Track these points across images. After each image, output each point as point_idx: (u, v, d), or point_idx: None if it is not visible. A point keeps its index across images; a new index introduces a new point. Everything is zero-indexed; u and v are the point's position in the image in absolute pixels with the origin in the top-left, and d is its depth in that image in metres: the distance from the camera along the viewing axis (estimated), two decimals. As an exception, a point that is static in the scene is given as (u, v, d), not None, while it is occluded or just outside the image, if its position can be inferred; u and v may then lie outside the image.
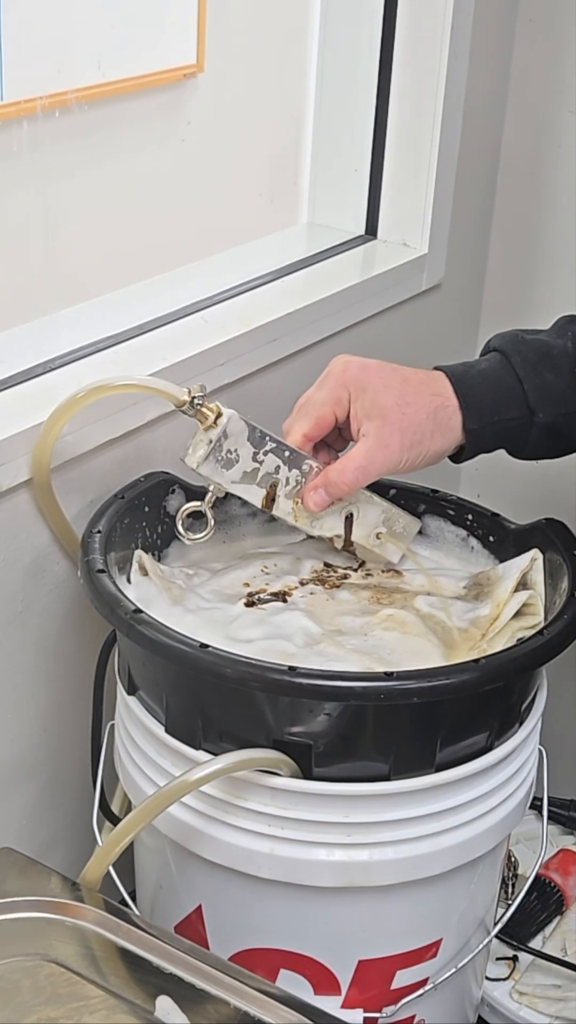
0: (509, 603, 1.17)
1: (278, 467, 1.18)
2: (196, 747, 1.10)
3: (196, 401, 1.14)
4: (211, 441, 1.15)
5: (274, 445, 1.17)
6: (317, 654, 1.11)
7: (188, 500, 1.27)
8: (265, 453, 1.17)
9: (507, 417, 1.20)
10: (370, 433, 1.16)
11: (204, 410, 1.14)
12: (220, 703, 1.08)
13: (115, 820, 1.27)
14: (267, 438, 1.17)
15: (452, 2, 1.49)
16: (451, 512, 1.31)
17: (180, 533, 1.21)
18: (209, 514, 1.20)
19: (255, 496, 1.19)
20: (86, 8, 1.23)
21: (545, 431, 1.22)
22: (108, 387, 1.16)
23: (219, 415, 1.15)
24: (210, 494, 1.19)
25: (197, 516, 1.21)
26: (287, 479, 1.19)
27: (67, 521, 1.21)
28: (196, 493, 1.28)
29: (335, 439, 1.22)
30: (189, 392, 1.14)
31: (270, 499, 1.19)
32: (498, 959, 1.49)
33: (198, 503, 1.20)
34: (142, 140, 1.37)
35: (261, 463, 1.17)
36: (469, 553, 1.30)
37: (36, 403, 1.19)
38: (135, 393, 1.24)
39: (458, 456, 1.23)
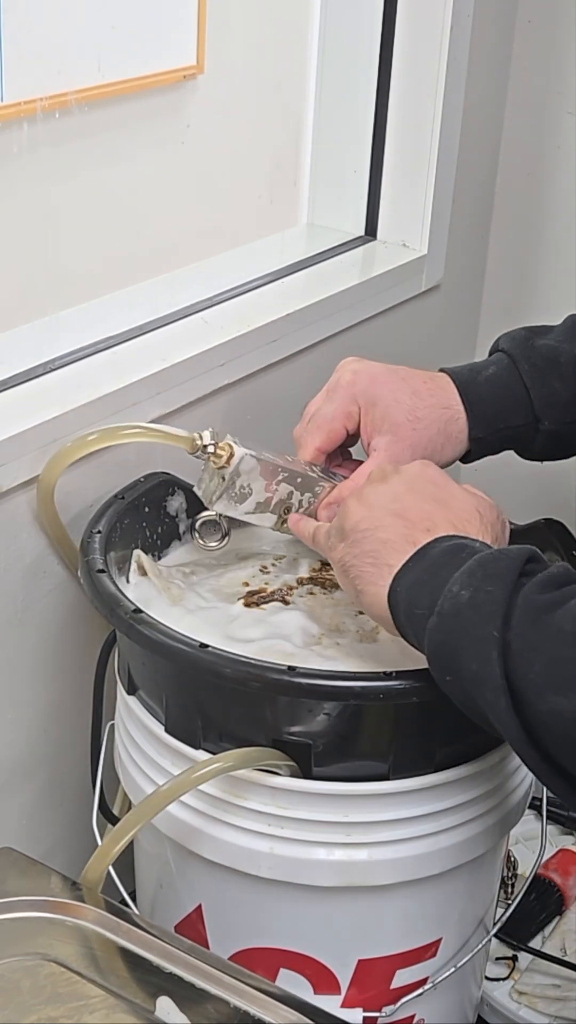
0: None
1: (291, 493, 1.18)
2: (196, 747, 1.10)
3: (209, 448, 1.14)
4: (224, 479, 1.15)
5: (286, 474, 1.17)
6: (317, 654, 1.11)
7: (188, 501, 1.27)
8: (278, 484, 1.17)
9: (513, 424, 1.21)
10: (381, 448, 1.17)
11: (218, 451, 1.14)
12: (220, 703, 1.09)
13: (115, 821, 1.27)
14: (279, 469, 1.17)
15: (452, 3, 1.49)
16: (450, 512, 1.31)
17: (200, 543, 1.22)
18: (224, 523, 1.21)
19: (267, 521, 1.19)
20: (86, 9, 1.23)
21: (550, 437, 1.22)
22: (118, 434, 1.17)
23: (231, 455, 1.14)
24: None
25: (209, 521, 1.22)
26: (300, 502, 1.19)
27: (73, 545, 1.21)
28: (196, 495, 1.28)
29: (346, 440, 1.23)
30: (201, 438, 1.14)
31: (282, 522, 1.19)
32: (498, 959, 1.49)
33: (212, 513, 1.20)
34: (142, 141, 1.37)
35: (274, 492, 1.18)
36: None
37: (36, 404, 1.19)
38: (136, 394, 1.25)
39: (464, 458, 1.23)
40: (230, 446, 1.15)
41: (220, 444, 1.14)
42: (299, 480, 1.18)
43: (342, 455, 1.25)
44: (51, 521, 1.20)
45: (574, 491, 1.66)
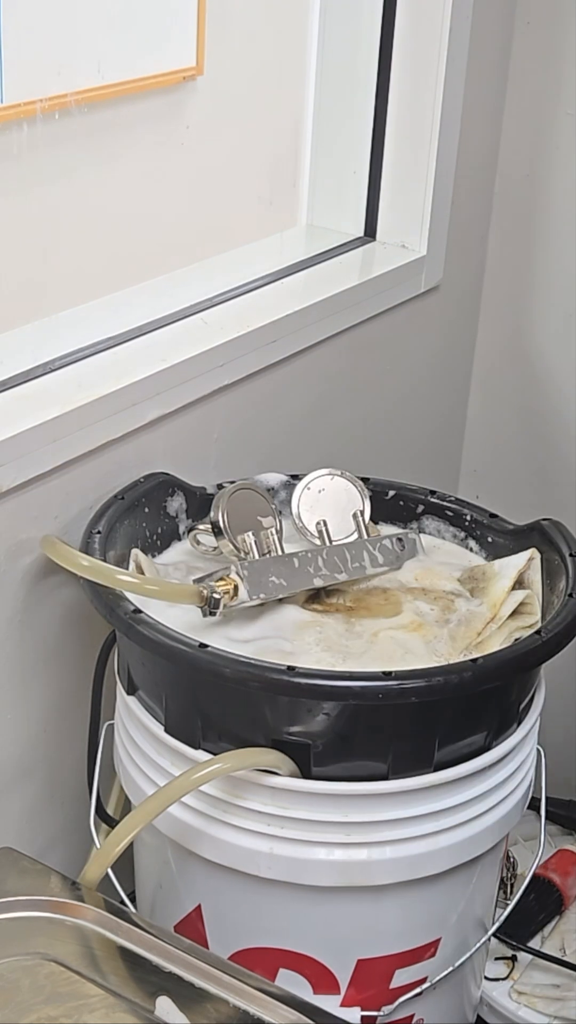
0: (506, 602, 1.17)
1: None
2: (195, 747, 1.10)
3: (214, 598, 1.11)
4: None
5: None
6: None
7: (188, 501, 1.27)
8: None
9: None
10: None
11: (225, 591, 1.12)
12: (219, 703, 1.09)
13: (111, 822, 1.27)
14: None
15: (450, 5, 1.49)
16: (450, 513, 1.31)
17: (202, 549, 1.23)
18: (224, 527, 1.21)
19: None
20: (86, 10, 1.23)
21: None
22: (138, 588, 1.12)
23: (236, 587, 1.12)
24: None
25: (208, 528, 1.22)
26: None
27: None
28: (196, 495, 1.28)
29: None
30: (205, 592, 1.11)
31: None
32: (497, 959, 1.49)
33: (206, 526, 1.21)
34: (142, 142, 1.37)
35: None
36: (468, 554, 1.30)
37: (36, 404, 1.20)
38: (136, 395, 1.25)
39: None
40: (232, 579, 1.12)
41: (223, 588, 1.11)
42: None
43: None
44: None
45: (574, 491, 1.66)
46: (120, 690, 1.19)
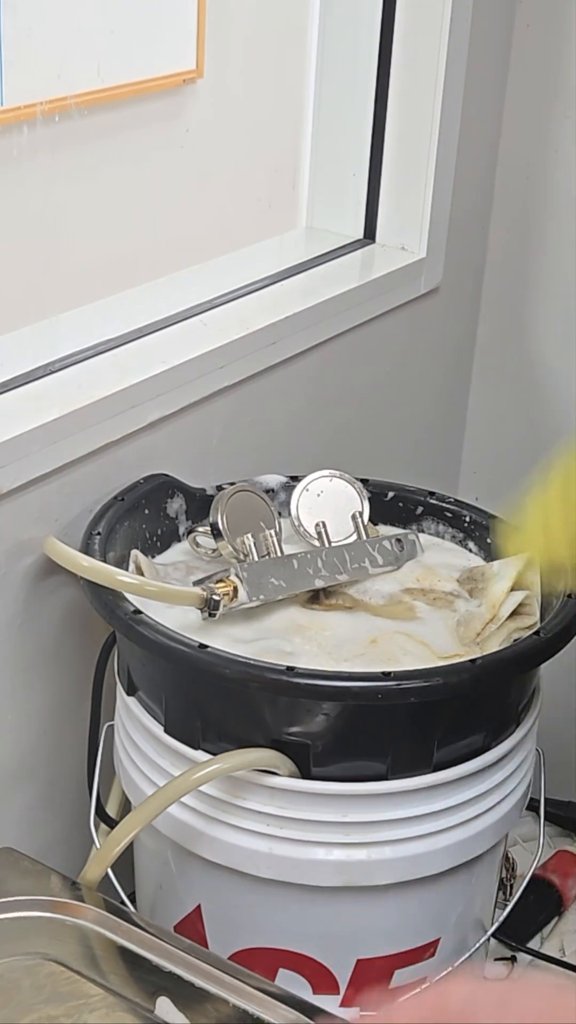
0: (505, 603, 1.17)
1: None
2: (195, 747, 1.10)
3: (214, 600, 1.12)
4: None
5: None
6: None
7: (188, 502, 1.27)
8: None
9: None
10: None
11: (224, 593, 1.12)
12: (219, 703, 1.09)
13: (110, 822, 1.27)
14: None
15: (450, 7, 1.49)
16: (449, 514, 1.32)
17: (201, 550, 1.23)
18: (222, 529, 1.21)
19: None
20: (86, 13, 1.24)
21: None
22: (139, 589, 1.12)
23: (236, 589, 1.13)
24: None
25: (207, 530, 1.22)
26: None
27: None
28: (196, 497, 1.28)
29: None
30: (205, 593, 1.12)
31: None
32: (496, 959, 1.49)
33: (205, 528, 1.21)
34: (142, 145, 1.38)
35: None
36: (467, 555, 1.31)
37: (37, 406, 1.20)
38: (136, 396, 1.25)
39: None
40: (231, 581, 1.13)
41: (222, 590, 1.12)
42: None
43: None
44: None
45: (573, 493, 1.65)
46: (120, 691, 1.20)
